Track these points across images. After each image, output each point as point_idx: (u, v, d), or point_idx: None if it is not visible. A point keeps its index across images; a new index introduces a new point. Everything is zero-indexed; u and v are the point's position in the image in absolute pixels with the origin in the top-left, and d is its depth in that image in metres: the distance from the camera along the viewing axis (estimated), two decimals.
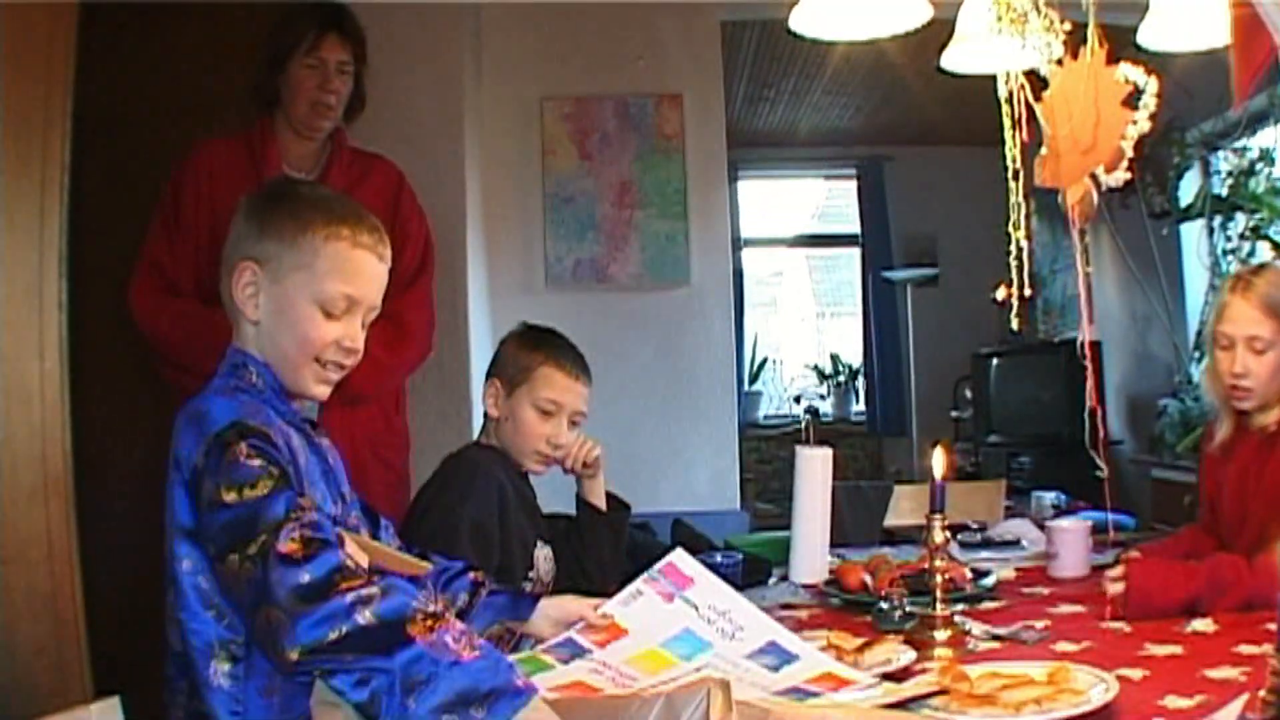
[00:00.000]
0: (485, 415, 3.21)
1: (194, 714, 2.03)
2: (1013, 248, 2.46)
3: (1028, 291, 2.48)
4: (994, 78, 2.54)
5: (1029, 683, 2.00)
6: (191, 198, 3.52)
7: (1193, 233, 6.83)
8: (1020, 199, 2.44)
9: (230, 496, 1.89)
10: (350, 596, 1.76)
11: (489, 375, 3.20)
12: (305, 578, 1.78)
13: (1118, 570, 2.68)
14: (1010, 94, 2.47)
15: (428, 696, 1.71)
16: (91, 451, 3.36)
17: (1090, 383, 2.41)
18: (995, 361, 8.76)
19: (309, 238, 2.14)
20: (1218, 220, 6.47)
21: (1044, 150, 2.39)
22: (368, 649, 1.74)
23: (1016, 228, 2.45)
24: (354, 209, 2.24)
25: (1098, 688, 1.94)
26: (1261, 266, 3.06)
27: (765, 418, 10.42)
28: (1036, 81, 2.43)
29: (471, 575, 2.47)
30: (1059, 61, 2.40)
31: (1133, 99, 2.34)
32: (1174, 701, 1.90)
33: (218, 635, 1.99)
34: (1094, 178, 2.37)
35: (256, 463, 1.92)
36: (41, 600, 3.07)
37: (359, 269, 2.18)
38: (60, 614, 3.11)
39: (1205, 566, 2.67)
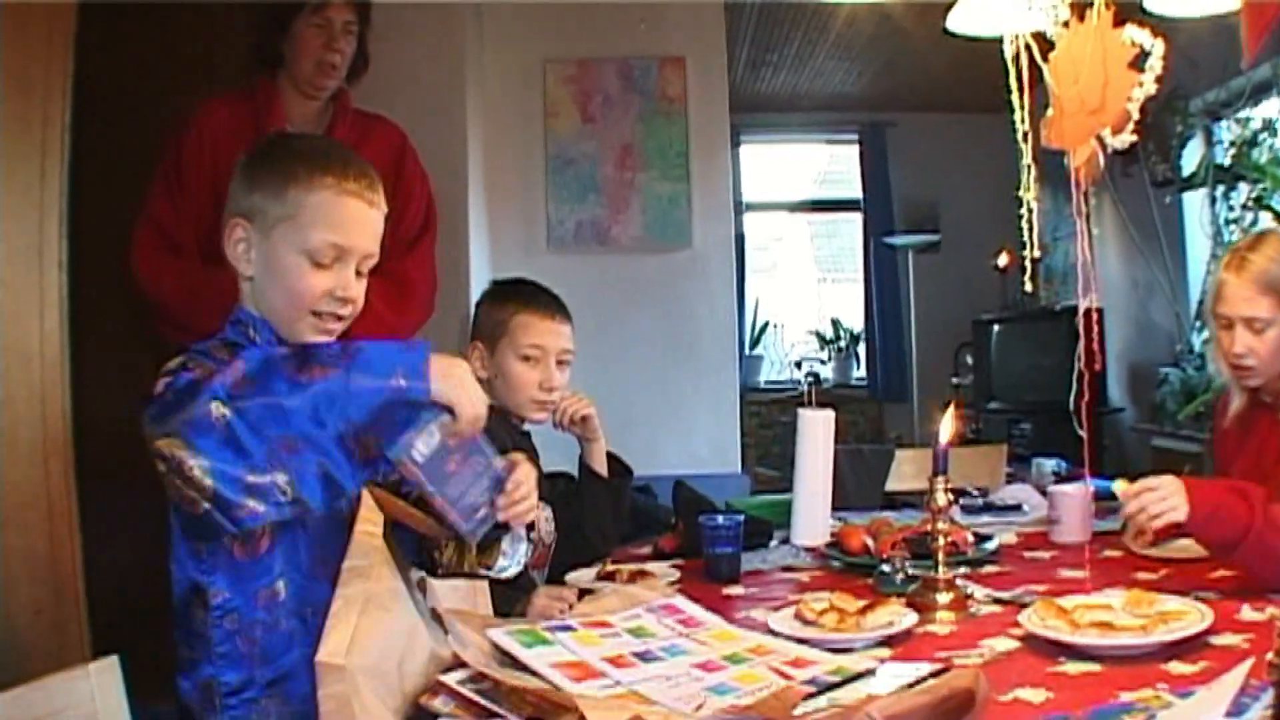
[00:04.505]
0: (475, 379, 3.21)
1: (181, 662, 2.04)
2: (1024, 210, 2.44)
3: (1036, 254, 2.45)
4: (998, 43, 2.53)
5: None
6: (194, 157, 3.50)
7: (1195, 202, 6.80)
8: (1030, 161, 2.43)
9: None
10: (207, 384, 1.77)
11: (471, 339, 3.21)
12: (169, 395, 1.81)
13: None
14: (1017, 55, 2.46)
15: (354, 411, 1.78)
16: (91, 411, 3.35)
17: (1082, 344, 2.39)
18: (996, 328, 8.79)
19: (293, 189, 2.11)
20: (1220, 190, 6.46)
21: (1050, 111, 2.38)
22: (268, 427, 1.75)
23: (1027, 189, 2.43)
24: (340, 155, 2.20)
25: (1191, 607, 2.12)
26: (1259, 238, 2.97)
27: (766, 382, 10.43)
28: (1043, 43, 2.42)
29: None
30: (1065, 23, 2.39)
31: (1139, 61, 2.33)
32: (1177, 667, 1.90)
33: (194, 581, 1.99)
34: (1100, 139, 2.36)
35: (181, 370, 1.93)
36: (40, 561, 3.07)
37: (346, 216, 2.14)
38: (59, 574, 3.11)
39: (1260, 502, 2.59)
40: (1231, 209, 6.36)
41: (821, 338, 10.67)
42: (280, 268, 2.12)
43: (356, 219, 2.16)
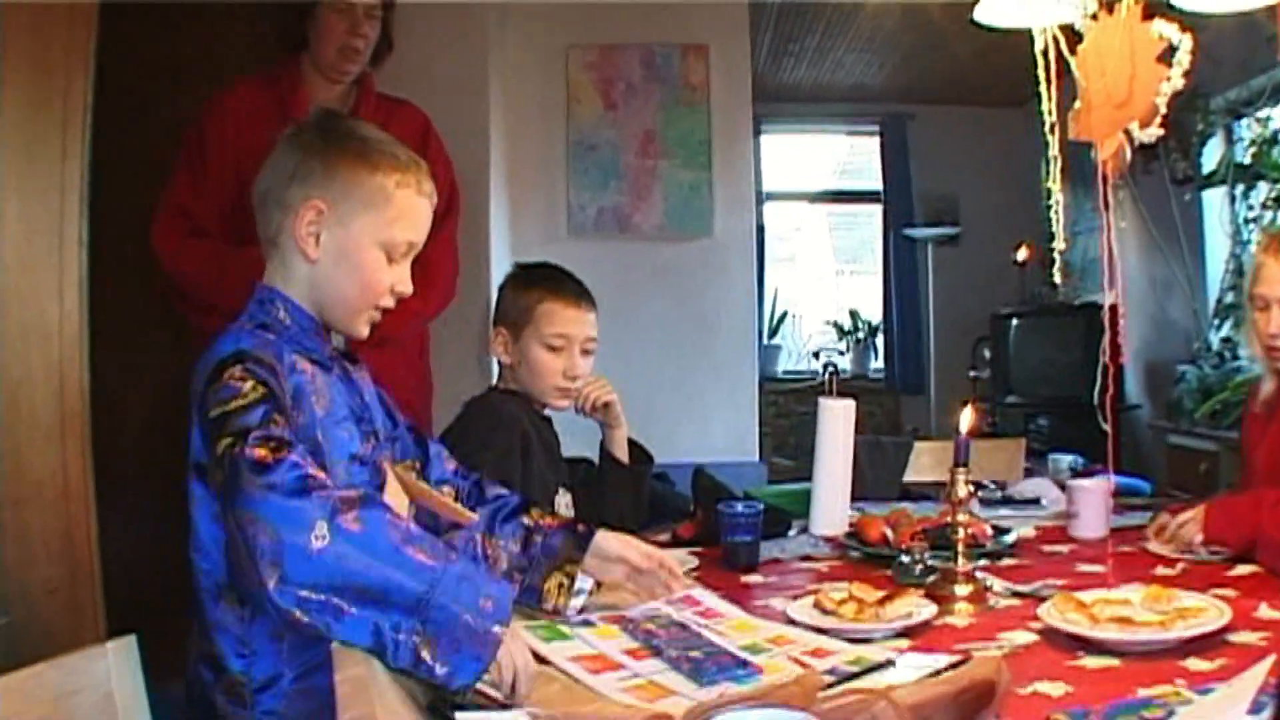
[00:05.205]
0: (498, 363, 3.21)
1: (204, 654, 2.03)
2: (1051, 201, 2.43)
3: (1061, 245, 2.45)
4: (1019, 36, 2.52)
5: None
6: (217, 140, 3.50)
7: (1215, 200, 6.79)
8: (1057, 153, 2.42)
9: (215, 412, 1.86)
10: (321, 496, 1.74)
11: (494, 324, 3.20)
12: (276, 477, 1.74)
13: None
14: (1045, 48, 2.45)
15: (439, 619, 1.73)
16: (108, 391, 3.35)
17: (1107, 337, 2.39)
18: (1014, 322, 8.77)
19: (380, 181, 2.12)
20: (1240, 188, 6.45)
21: (1078, 104, 2.37)
22: (352, 569, 1.71)
23: (1054, 181, 2.43)
24: (414, 156, 2.22)
25: (1209, 604, 2.14)
26: None
27: (784, 372, 10.41)
28: (1071, 35, 2.41)
29: (524, 520, 2.43)
30: (1094, 16, 2.38)
31: (1167, 55, 2.32)
32: (1196, 664, 1.90)
33: (226, 576, 1.96)
34: (1127, 133, 2.35)
35: (247, 384, 1.89)
36: (56, 540, 3.07)
37: (421, 217, 2.20)
38: (75, 553, 3.11)
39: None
40: (1251, 208, 6.36)
41: (840, 329, 10.65)
42: (359, 259, 2.13)
43: (426, 220, 2.22)
